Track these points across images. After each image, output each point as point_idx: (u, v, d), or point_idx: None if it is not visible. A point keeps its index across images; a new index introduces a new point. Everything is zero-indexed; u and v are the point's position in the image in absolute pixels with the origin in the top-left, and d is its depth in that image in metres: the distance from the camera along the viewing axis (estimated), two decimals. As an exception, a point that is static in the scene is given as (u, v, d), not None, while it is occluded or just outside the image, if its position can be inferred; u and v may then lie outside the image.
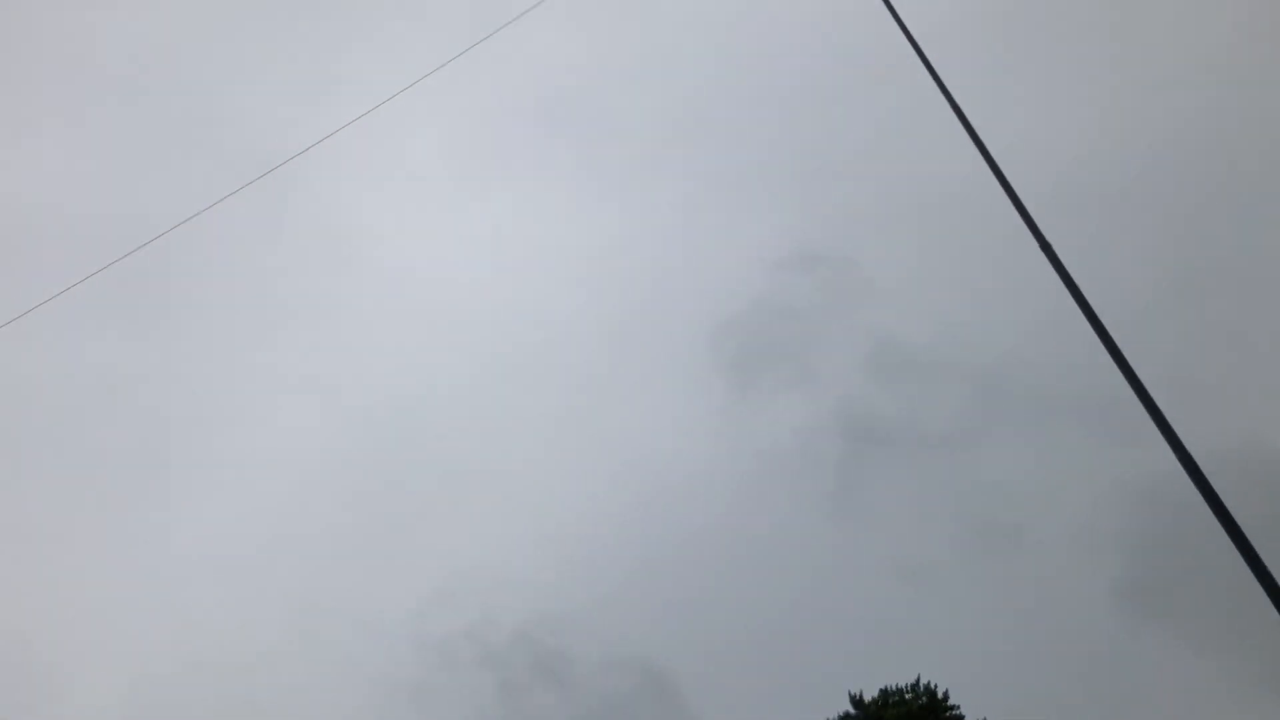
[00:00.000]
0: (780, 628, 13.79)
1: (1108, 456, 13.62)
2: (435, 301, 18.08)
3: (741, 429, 17.09)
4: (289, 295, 17.50)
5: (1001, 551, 14.68)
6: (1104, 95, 15.73)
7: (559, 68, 18.14)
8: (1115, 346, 4.04)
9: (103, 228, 15.22)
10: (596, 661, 14.07)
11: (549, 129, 19.02)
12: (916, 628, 12.93)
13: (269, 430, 15.72)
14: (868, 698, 10.31)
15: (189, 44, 18.59)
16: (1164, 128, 14.91)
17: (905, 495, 16.07)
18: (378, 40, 18.21)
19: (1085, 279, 4.33)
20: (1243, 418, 12.45)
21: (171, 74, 18.55)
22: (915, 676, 10.41)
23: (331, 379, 16.67)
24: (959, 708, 10.27)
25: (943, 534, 15.05)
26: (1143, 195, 15.41)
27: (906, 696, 10.21)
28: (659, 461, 15.85)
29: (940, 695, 10.25)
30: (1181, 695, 11.09)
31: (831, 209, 18.28)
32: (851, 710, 10.37)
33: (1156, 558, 12.35)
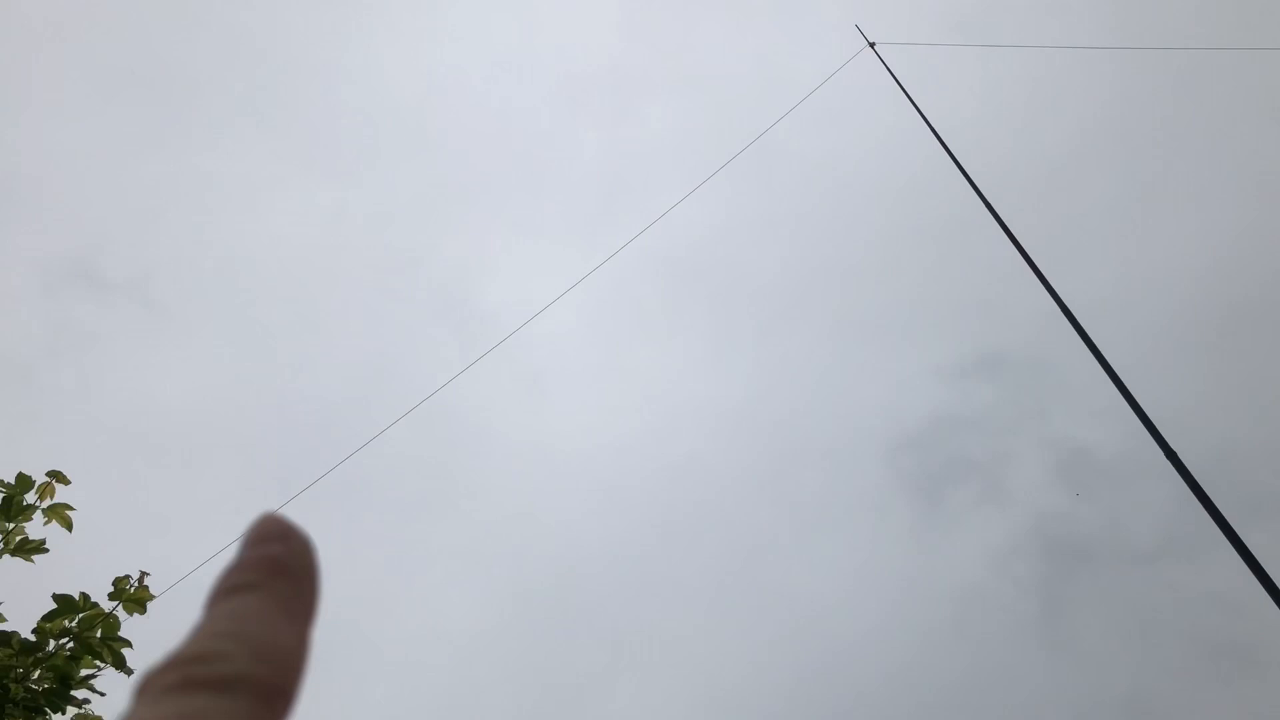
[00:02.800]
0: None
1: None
2: (586, 468, 18.65)
3: (928, 557, 16.68)
4: (439, 469, 18.42)
5: (1237, 675, 13.70)
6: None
7: (687, 225, 18.94)
8: None
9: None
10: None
11: (682, 286, 19.75)
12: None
13: (427, 608, 16.34)
14: None
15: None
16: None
17: (1120, 617, 15.22)
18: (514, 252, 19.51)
19: None
20: None
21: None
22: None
23: (488, 551, 17.30)
24: None
25: (1167, 658, 14.12)
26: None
27: None
28: (835, 611, 15.64)
29: None
30: None
31: (1011, 311, 17.95)
32: None
33: None
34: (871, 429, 17.60)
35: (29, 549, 2.24)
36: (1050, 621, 15.35)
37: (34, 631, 2.13)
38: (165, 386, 16.77)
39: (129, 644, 2.19)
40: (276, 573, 0.26)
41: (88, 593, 2.17)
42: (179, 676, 0.23)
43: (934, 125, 6.14)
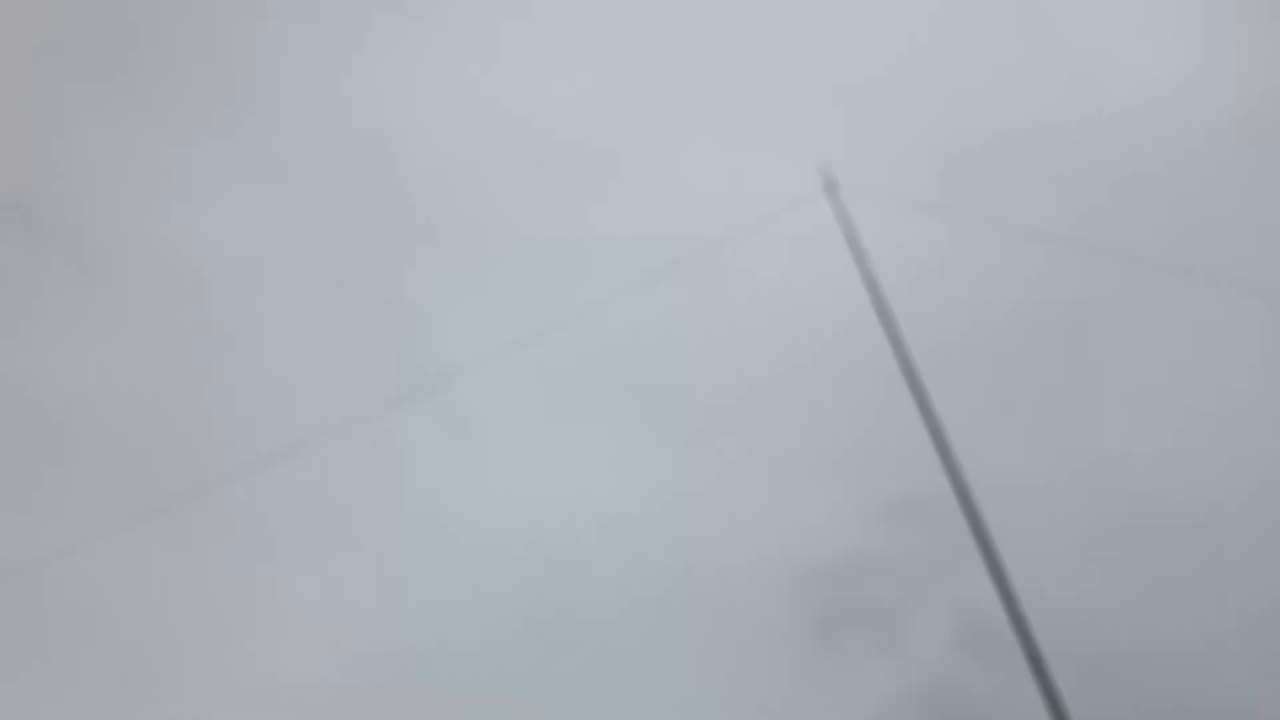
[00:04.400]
0: None
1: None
2: (463, 551, 18.21)
3: (816, 700, 16.34)
4: (313, 517, 17.89)
5: None
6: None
7: (632, 321, 18.89)
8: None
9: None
10: None
11: (615, 379, 19.64)
12: None
13: (269, 658, 15.67)
14: None
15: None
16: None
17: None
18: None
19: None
20: None
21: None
22: None
23: (344, 615, 16.70)
24: None
25: None
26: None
27: None
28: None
29: None
30: None
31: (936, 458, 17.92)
32: None
33: None
34: (781, 559, 17.44)
35: None
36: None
37: None
38: (62, 352, 16.13)
39: None
40: None
41: None
42: None
43: (879, 277, 6.16)
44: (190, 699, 14.98)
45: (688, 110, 20.01)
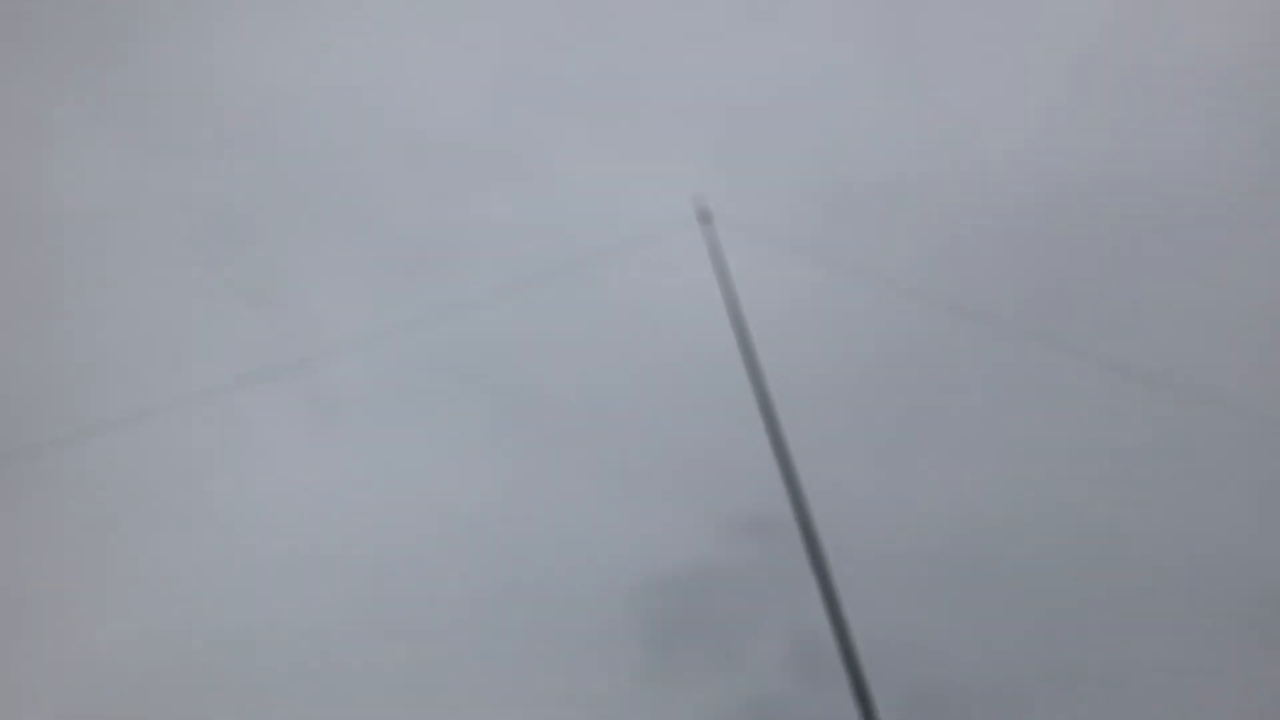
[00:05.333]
0: None
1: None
2: (301, 535, 17.84)
3: (646, 710, 16.40)
4: (151, 489, 17.28)
5: None
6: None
7: (496, 322, 18.83)
8: None
9: None
10: None
11: (471, 379, 19.55)
12: None
13: (83, 632, 15.03)
14: None
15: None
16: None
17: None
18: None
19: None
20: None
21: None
22: None
23: (169, 593, 16.14)
24: None
25: None
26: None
27: None
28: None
29: None
30: None
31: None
32: None
33: None
34: (621, 568, 17.57)
35: None
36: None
37: None
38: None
39: None
40: None
41: None
42: None
43: (742, 306, 6.42)
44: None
45: (572, 122, 20.17)
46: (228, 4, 18.69)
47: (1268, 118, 16.44)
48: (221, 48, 18.81)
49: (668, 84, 19.20)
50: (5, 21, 17.08)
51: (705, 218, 6.69)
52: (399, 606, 16.96)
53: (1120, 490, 15.00)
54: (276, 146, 19.51)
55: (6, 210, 17.53)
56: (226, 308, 18.57)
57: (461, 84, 20.54)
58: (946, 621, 15.81)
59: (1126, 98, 17.07)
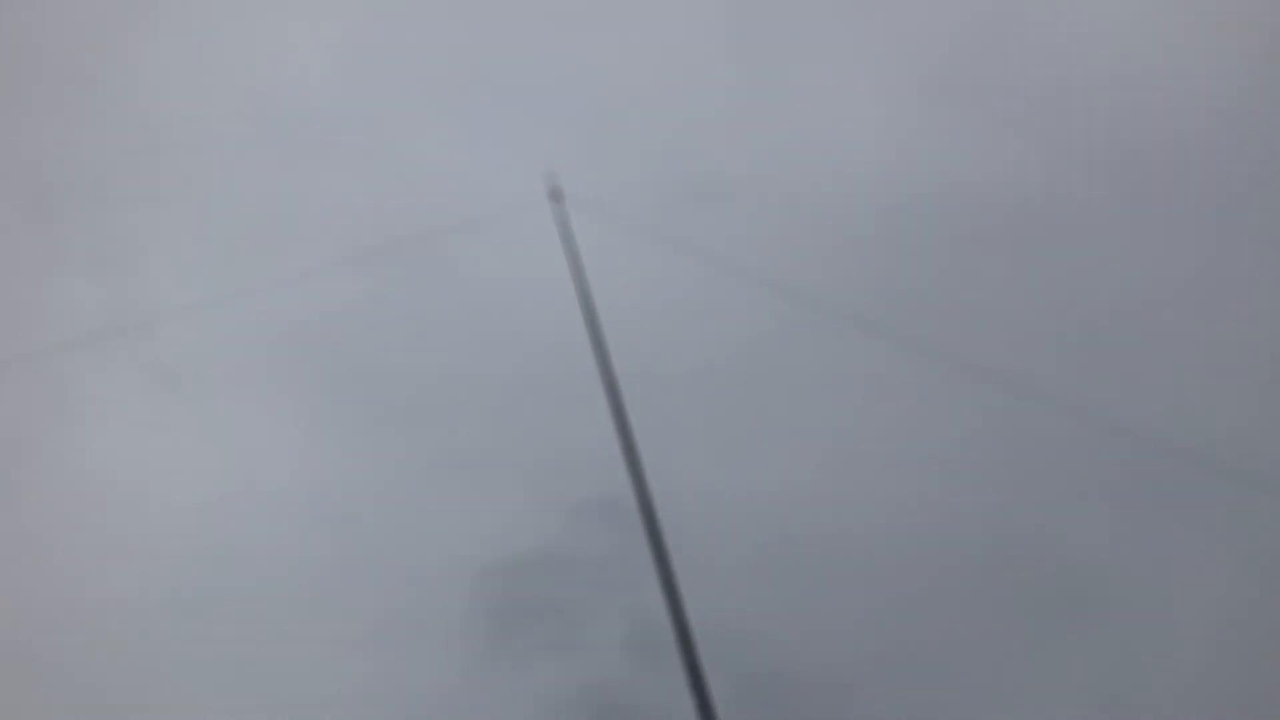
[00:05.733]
0: None
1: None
2: (127, 509, 16.96)
3: (484, 692, 16.04)
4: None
5: None
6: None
7: (333, 298, 18.26)
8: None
9: None
10: None
11: (307, 359, 18.92)
12: None
13: None
14: None
15: None
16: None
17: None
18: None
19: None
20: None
21: None
22: None
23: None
24: None
25: None
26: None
27: None
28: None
29: None
30: None
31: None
32: None
33: None
34: (461, 552, 17.22)
35: None
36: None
37: None
38: None
39: None
40: None
41: None
42: None
43: (592, 288, 6.31)
44: None
45: (424, 95, 19.71)
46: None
47: (1106, 137, 17.36)
48: (59, 10, 17.77)
49: (524, 59, 18.95)
50: None
51: (557, 195, 6.55)
52: (230, 586, 16.26)
53: (948, 484, 15.64)
54: (115, 110, 18.50)
55: None
56: (61, 272, 17.51)
57: (310, 53, 19.81)
58: (782, 610, 16.14)
59: (972, 110, 17.75)
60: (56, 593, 15.54)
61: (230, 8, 18.19)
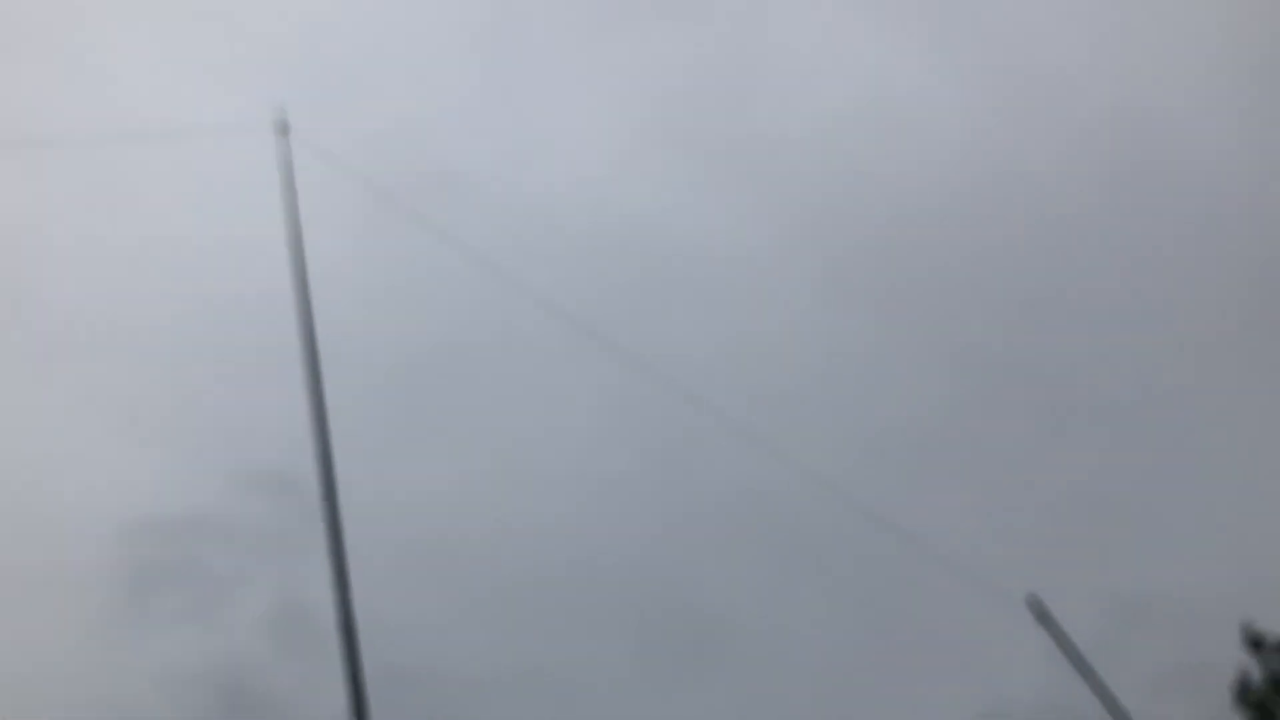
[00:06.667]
0: None
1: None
2: None
3: (112, 652, 14.49)
4: None
5: None
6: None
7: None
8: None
9: None
10: None
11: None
12: None
13: None
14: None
15: None
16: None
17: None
18: None
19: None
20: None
21: None
22: None
23: None
24: None
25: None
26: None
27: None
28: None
29: None
30: None
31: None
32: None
33: None
34: (112, 507, 15.67)
35: None
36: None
37: None
38: None
39: None
40: None
41: None
42: None
43: (305, 234, 5.75)
44: None
45: (144, 17, 18.22)
46: None
47: (814, 199, 18.73)
48: None
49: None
50: None
51: (283, 129, 5.95)
52: None
53: (614, 510, 16.28)
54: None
55: None
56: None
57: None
58: (439, 613, 15.83)
59: (679, 160, 18.75)
60: None
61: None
